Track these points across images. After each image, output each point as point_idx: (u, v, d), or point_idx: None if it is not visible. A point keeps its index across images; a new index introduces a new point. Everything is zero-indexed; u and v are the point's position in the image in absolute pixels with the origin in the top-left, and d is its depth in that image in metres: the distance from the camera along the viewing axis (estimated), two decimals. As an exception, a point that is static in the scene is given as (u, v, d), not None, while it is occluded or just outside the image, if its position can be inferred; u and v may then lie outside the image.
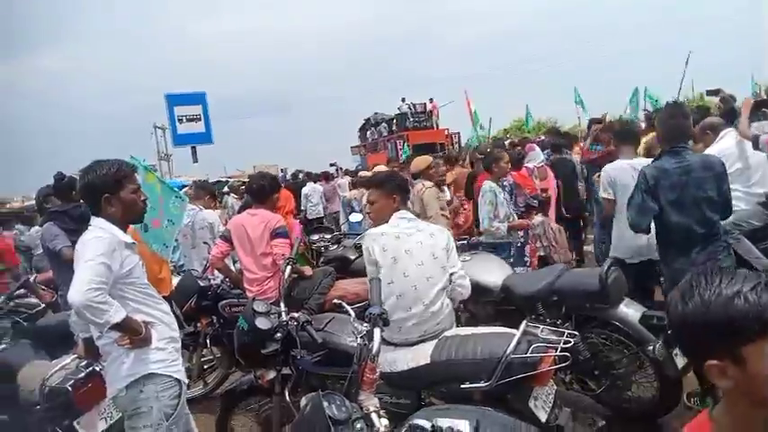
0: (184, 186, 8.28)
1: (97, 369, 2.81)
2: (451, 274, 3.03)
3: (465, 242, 4.49)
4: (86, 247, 2.36)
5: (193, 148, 10.52)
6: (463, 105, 16.42)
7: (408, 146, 19.15)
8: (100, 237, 2.42)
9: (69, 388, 2.70)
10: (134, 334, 2.40)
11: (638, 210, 3.38)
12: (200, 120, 10.45)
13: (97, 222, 2.50)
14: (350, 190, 10.93)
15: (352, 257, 5.59)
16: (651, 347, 3.04)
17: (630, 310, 3.28)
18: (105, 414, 2.85)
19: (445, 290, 3.00)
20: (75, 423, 2.73)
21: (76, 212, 4.44)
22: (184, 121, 10.32)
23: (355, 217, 7.59)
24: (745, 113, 4.26)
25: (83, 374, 2.77)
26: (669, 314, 1.05)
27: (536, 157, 6.91)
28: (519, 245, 5.11)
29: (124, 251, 2.47)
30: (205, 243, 5.52)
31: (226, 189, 14.21)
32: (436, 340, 2.83)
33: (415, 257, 2.94)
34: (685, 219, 3.31)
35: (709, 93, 5.91)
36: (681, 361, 3.07)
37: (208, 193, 6.23)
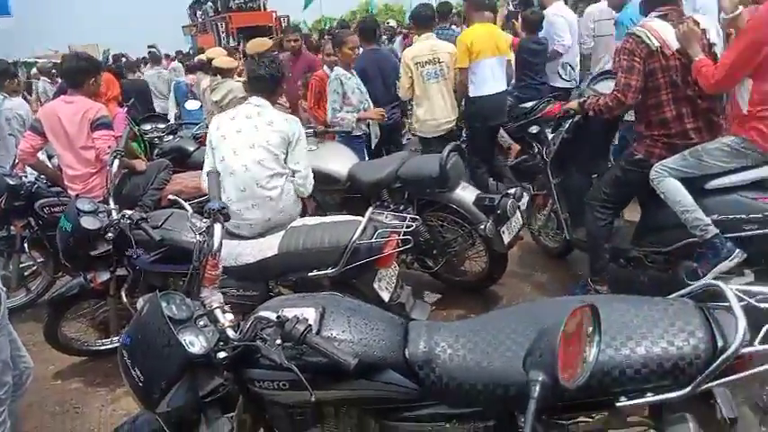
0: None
1: None
2: (294, 172, 3.02)
3: (312, 132, 4.37)
4: None
5: (-14, 21, 8.75)
6: None
7: (231, 29, 17.82)
8: None
9: None
10: None
11: None
12: (-10, -14, 8.63)
13: None
14: (185, 75, 9.99)
15: (191, 149, 5.22)
16: (483, 226, 3.31)
17: (466, 193, 3.50)
18: None
19: (283, 177, 2.99)
20: None
21: None
22: (-30, -13, 8.46)
23: (192, 105, 7.01)
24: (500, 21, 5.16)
25: None
26: None
27: None
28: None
29: None
30: (11, 135, 4.79)
31: (35, 71, 12.30)
32: (284, 231, 2.81)
33: (248, 138, 2.93)
34: None
35: None
36: (507, 237, 3.40)
37: (7, 76, 5.26)
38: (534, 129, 4.40)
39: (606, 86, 3.31)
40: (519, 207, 3.52)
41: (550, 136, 4.28)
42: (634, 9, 4.01)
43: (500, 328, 1.58)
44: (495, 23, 5.50)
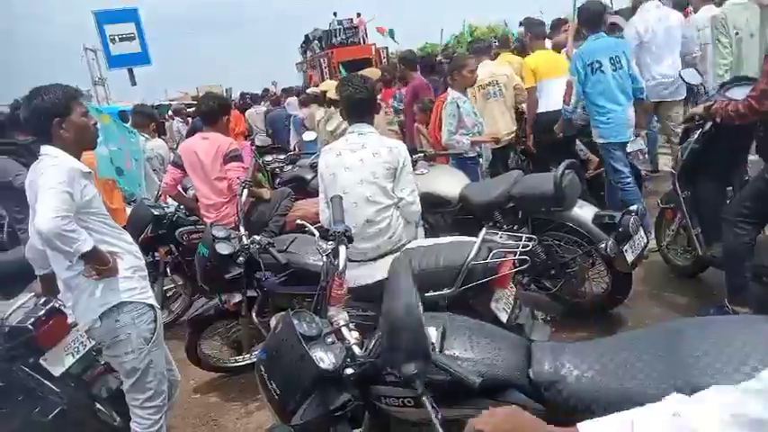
0: (122, 111, 7.82)
1: (57, 306, 2.75)
2: (400, 199, 2.98)
3: (422, 155, 4.45)
4: (45, 176, 2.25)
5: (130, 70, 9.84)
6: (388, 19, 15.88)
7: (334, 64, 18.63)
8: (56, 165, 2.30)
9: (31, 327, 2.65)
10: (101, 264, 2.35)
11: None
12: (134, 39, 9.67)
13: (49, 150, 2.37)
14: (300, 109, 10.60)
15: (309, 177, 5.54)
16: (603, 245, 3.18)
17: (584, 211, 3.39)
18: (72, 349, 2.83)
19: (391, 208, 2.97)
20: (41, 360, 2.70)
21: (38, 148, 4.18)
22: (117, 40, 9.54)
23: (309, 135, 7.41)
24: (571, 36, 5.40)
25: (43, 312, 2.70)
26: None
27: None
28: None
29: (82, 180, 2.36)
30: (154, 171, 5.34)
31: (170, 113, 13.65)
32: (399, 253, 2.87)
33: (355, 175, 2.92)
34: None
35: None
36: (631, 256, 3.22)
37: (149, 119, 5.90)
38: None
39: (740, 93, 3.02)
40: (642, 224, 3.34)
41: (629, 147, 4.57)
42: None
43: (630, 350, 1.52)
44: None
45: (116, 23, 9.58)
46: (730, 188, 3.40)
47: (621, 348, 1.54)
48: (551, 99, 5.07)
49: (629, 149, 4.59)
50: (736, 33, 4.44)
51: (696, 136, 3.38)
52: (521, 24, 7.86)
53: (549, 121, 5.05)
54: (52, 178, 2.23)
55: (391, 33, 15.27)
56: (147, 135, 5.59)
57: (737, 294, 3.10)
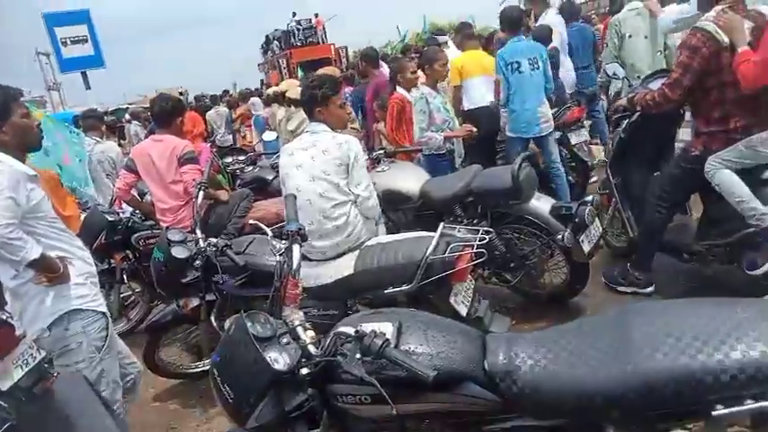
0: (77, 116, 7.60)
1: (3, 317, 2.64)
2: (357, 196, 2.99)
3: (383, 152, 4.44)
4: None
5: (84, 73, 9.52)
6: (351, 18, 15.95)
7: (293, 64, 18.61)
8: (8, 165, 2.22)
9: None
10: (51, 271, 2.28)
11: None
12: (87, 41, 9.34)
13: None
14: (264, 108, 10.51)
15: (270, 178, 5.46)
16: (560, 236, 3.23)
17: (541, 203, 3.44)
18: (20, 362, 2.71)
19: (348, 204, 2.98)
20: None
21: None
22: (69, 43, 9.21)
23: (269, 135, 7.33)
24: None
25: None
26: None
27: None
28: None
29: (28, 184, 2.28)
30: (108, 176, 5.20)
31: (127, 117, 13.30)
32: (358, 251, 2.87)
33: (306, 173, 2.93)
34: None
35: None
36: (587, 246, 3.29)
37: (99, 121, 5.74)
38: (557, 134, 4.98)
39: (659, 85, 3.26)
40: (597, 214, 3.41)
41: (574, 139, 5.03)
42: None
43: (581, 338, 1.54)
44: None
45: (67, 26, 9.25)
46: (659, 173, 3.59)
47: (573, 336, 1.56)
48: (476, 96, 5.30)
49: (573, 141, 5.02)
50: (629, 36, 5.25)
51: (624, 126, 3.63)
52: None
53: (474, 117, 5.18)
54: None
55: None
56: (97, 138, 5.44)
57: (642, 262, 3.51)
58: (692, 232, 3.43)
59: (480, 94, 5.29)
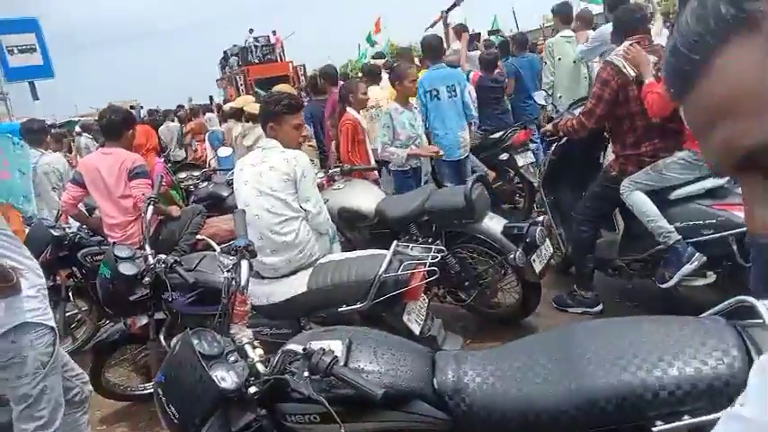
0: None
1: None
2: (306, 211, 2.99)
3: (338, 170, 4.44)
4: None
5: (31, 83, 9.19)
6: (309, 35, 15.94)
7: (250, 81, 18.59)
8: None
9: None
10: (4, 281, 2.19)
11: None
12: (35, 50, 9.03)
13: None
14: (220, 124, 10.42)
15: (225, 194, 5.39)
16: (512, 255, 3.29)
17: (493, 223, 3.50)
18: None
19: (298, 220, 2.97)
20: None
21: None
22: (16, 52, 8.88)
23: (224, 151, 7.24)
24: (464, 51, 6.22)
25: None
26: None
27: None
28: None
29: None
30: (54, 189, 5.02)
31: (78, 129, 12.92)
32: (311, 268, 2.85)
33: (253, 188, 2.94)
34: None
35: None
36: (538, 266, 3.36)
37: (43, 133, 5.55)
38: (504, 156, 5.32)
39: None
40: (548, 235, 3.50)
41: (520, 161, 5.28)
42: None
43: (529, 355, 1.57)
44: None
45: (14, 33, 8.94)
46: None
47: (520, 354, 1.59)
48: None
49: (519, 163, 5.27)
50: (559, 59, 5.72)
51: (553, 148, 3.92)
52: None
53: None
54: None
55: (368, 39, 15.25)
56: (41, 150, 5.26)
57: (583, 281, 3.69)
58: (614, 248, 3.64)
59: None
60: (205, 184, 6.16)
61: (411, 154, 4.60)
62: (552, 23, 8.19)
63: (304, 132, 3.17)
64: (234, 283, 1.95)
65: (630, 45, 3.14)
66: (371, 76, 6.38)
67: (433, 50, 5.31)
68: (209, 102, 15.77)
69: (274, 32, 22.49)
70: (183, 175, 6.48)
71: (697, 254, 3.02)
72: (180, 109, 12.44)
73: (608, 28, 5.50)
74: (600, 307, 3.65)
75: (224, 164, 7.28)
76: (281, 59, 21.89)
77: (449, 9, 8.07)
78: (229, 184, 5.67)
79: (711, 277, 3.13)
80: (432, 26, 7.89)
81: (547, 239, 3.48)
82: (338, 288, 2.68)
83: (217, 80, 26.70)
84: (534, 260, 3.34)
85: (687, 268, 3.04)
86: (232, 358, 1.64)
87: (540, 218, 3.50)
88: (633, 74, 3.09)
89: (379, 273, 2.62)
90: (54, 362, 2.42)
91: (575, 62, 5.70)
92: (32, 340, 2.33)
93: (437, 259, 2.68)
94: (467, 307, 3.77)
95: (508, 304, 3.77)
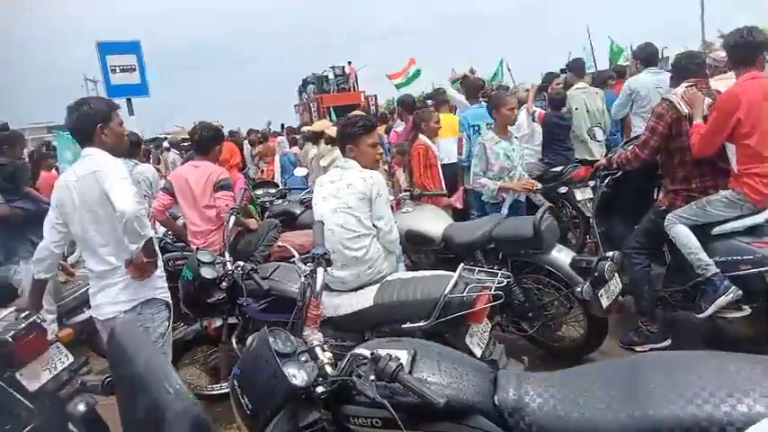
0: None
1: (38, 321, 2.78)
2: (378, 229, 3.10)
3: (409, 194, 4.54)
4: (113, 168, 2.60)
5: (129, 100, 9.99)
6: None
7: (323, 108, 19.30)
8: (115, 160, 2.68)
9: (10, 339, 2.65)
10: (150, 256, 2.68)
11: None
12: (134, 70, 9.85)
13: (94, 152, 2.68)
14: (290, 147, 10.95)
15: (298, 212, 5.62)
16: (579, 289, 3.25)
17: (561, 255, 3.48)
18: (49, 365, 2.83)
19: (369, 237, 3.07)
20: (17, 374, 2.70)
21: (8, 170, 4.30)
22: (118, 71, 9.73)
23: (300, 171, 7.57)
24: (532, 94, 6.57)
25: (23, 325, 2.72)
26: None
27: None
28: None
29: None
30: (144, 197, 5.40)
31: (166, 144, 13.80)
32: (378, 284, 2.94)
33: (330, 204, 3.08)
34: None
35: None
36: (606, 301, 3.30)
37: (137, 146, 6.02)
38: (563, 189, 5.58)
39: None
40: (617, 270, 3.43)
41: (579, 195, 5.44)
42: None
43: (592, 380, 1.58)
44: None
45: (118, 54, 9.79)
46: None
47: (582, 379, 1.60)
48: (448, 154, 5.94)
49: (578, 197, 5.44)
50: (576, 109, 6.21)
51: (606, 181, 4.06)
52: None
53: (447, 172, 5.68)
54: (120, 171, 2.61)
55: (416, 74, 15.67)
56: (136, 161, 5.68)
57: (646, 315, 3.68)
58: (661, 280, 3.72)
59: (449, 151, 5.96)
60: (280, 201, 6.45)
61: (503, 187, 4.46)
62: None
63: (380, 150, 3.30)
64: (310, 288, 2.06)
65: (688, 86, 3.39)
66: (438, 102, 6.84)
67: (472, 90, 6.37)
68: (280, 129, 16.57)
69: (350, 63, 23.30)
70: (259, 191, 6.80)
71: (733, 287, 3.17)
72: (252, 133, 13.24)
73: (634, 81, 5.84)
74: (667, 342, 3.59)
75: (292, 183, 7.61)
76: (354, 89, 22.68)
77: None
78: (302, 202, 5.93)
79: (747, 311, 3.25)
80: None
81: (616, 275, 3.41)
82: (403, 305, 2.75)
83: (295, 105, 27.83)
84: (602, 295, 3.28)
85: (723, 300, 3.18)
86: (303, 358, 1.74)
87: (610, 253, 3.43)
88: (686, 111, 3.32)
89: (445, 292, 2.67)
90: (168, 333, 2.87)
91: (588, 110, 6.22)
92: (153, 314, 2.79)
93: (503, 284, 2.70)
94: (529, 338, 3.74)
95: (572, 338, 3.71)
